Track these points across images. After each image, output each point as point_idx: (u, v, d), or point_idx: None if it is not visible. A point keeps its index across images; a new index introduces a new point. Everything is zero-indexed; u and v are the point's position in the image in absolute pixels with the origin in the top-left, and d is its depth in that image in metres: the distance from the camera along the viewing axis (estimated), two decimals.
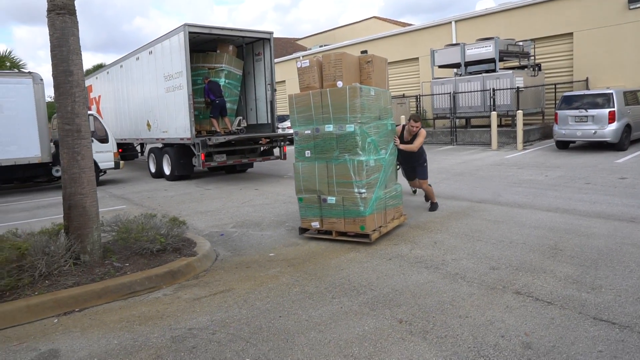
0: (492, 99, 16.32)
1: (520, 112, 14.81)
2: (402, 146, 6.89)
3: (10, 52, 18.01)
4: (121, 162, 13.76)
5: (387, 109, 6.49)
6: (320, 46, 30.85)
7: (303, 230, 6.27)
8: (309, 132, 5.98)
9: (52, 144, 12.62)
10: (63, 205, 5.03)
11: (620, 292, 3.96)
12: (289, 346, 3.33)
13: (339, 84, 5.82)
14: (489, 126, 16.61)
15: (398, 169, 7.74)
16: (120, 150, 14.48)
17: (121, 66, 16.05)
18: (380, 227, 5.98)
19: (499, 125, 16.37)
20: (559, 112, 13.43)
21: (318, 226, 6.06)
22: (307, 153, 6.05)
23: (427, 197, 7.79)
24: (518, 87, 15.87)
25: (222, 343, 3.42)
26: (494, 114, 15.52)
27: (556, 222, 6.31)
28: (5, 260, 4.32)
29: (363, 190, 5.70)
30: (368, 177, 5.74)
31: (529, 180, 9.68)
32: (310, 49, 33.02)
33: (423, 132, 7.10)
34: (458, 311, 3.77)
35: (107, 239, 5.64)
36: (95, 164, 11.86)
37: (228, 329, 3.65)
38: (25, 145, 11.84)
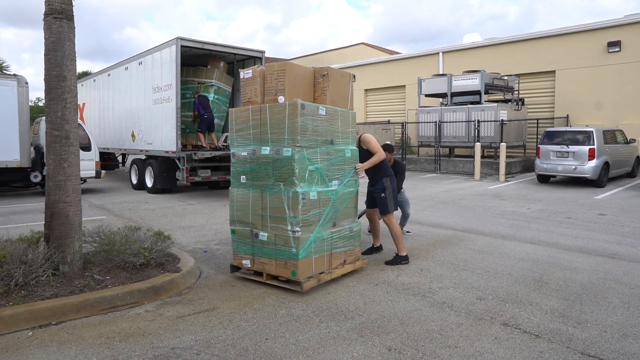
0: (476, 130, 16.64)
1: (503, 145, 15.11)
2: (366, 164, 5.70)
3: None
4: (102, 171, 13.51)
5: (346, 132, 5.47)
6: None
7: (234, 268, 5.39)
8: (246, 153, 5.16)
9: (32, 149, 12.33)
10: (45, 213, 4.87)
11: (605, 328, 3.98)
12: None
13: (280, 99, 4.91)
14: (472, 156, 16.89)
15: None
16: (101, 159, 14.23)
17: (109, 75, 15.90)
18: (321, 273, 5.02)
19: (482, 156, 16.67)
20: (541, 146, 13.74)
21: (249, 265, 5.18)
22: (242, 178, 5.21)
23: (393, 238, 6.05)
24: (502, 120, 16.24)
25: None
26: (477, 144, 15.80)
27: (540, 255, 6.37)
28: None
29: (297, 229, 4.73)
30: (306, 213, 4.79)
31: (511, 212, 9.81)
32: None
33: (366, 134, 5.88)
34: (447, 341, 3.73)
35: (88, 250, 5.47)
36: None
37: (213, 350, 3.53)
38: (5, 148, 11.54)
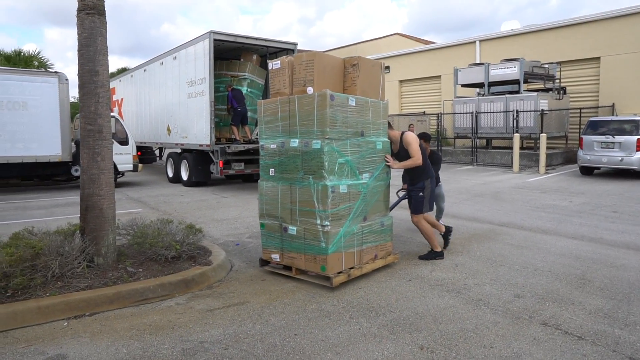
0: (515, 121, 16.08)
1: (544, 135, 14.54)
2: (398, 165, 5.55)
3: (39, 52, 18.46)
4: (139, 165, 13.82)
5: (377, 123, 5.31)
6: None
7: (264, 262, 5.34)
8: (274, 146, 5.08)
9: (73, 143, 12.73)
10: (80, 206, 4.98)
11: None
12: None
13: (309, 90, 4.78)
14: (510, 148, 16.35)
15: (405, 197, 6.30)
16: (139, 153, 14.56)
17: (145, 70, 16.22)
18: (351, 268, 4.90)
19: (521, 148, 16.10)
20: (584, 137, 13.14)
21: (278, 259, 5.11)
22: (272, 171, 5.13)
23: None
24: (542, 110, 15.62)
25: (234, 359, 3.27)
26: (516, 135, 15.26)
27: (583, 251, 6.06)
28: (19, 258, 4.25)
29: (326, 223, 4.63)
30: (335, 207, 4.68)
31: (552, 205, 9.41)
32: None
33: (409, 134, 5.60)
34: (482, 340, 3.57)
35: (121, 243, 5.57)
36: (114, 165, 11.92)
37: (241, 344, 3.50)
38: (47, 143, 11.96)
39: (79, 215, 5.00)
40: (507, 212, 8.72)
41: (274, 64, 5.17)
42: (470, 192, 11.27)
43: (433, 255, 5.80)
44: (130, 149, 13.32)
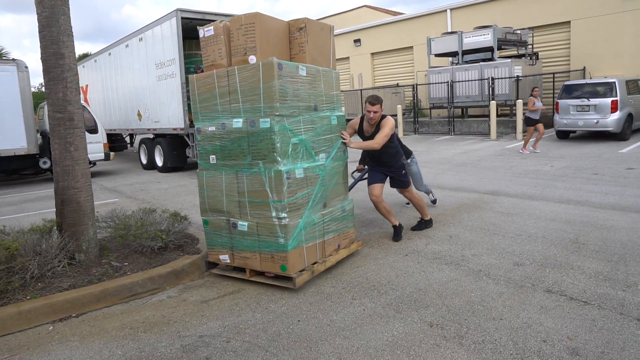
0: (490, 88, 16.08)
1: (520, 102, 14.59)
2: (355, 144, 4.92)
3: None
4: (111, 153, 13.30)
5: (331, 95, 4.67)
6: None
7: (211, 265, 4.61)
8: (213, 128, 4.30)
9: (38, 134, 12.11)
10: (55, 200, 4.65)
11: None
12: (313, 355, 3.02)
13: (252, 59, 4.03)
14: (487, 116, 16.41)
15: (362, 177, 6.04)
16: (109, 140, 14.01)
17: (109, 54, 15.48)
18: (314, 263, 4.29)
19: (497, 115, 16.15)
20: (560, 101, 13.23)
21: (228, 261, 4.40)
22: (212, 159, 4.37)
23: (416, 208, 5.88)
24: (517, 76, 15.65)
25: (238, 353, 3.10)
26: (493, 103, 15.29)
27: (572, 215, 6.07)
28: None
29: (283, 215, 3.97)
30: (292, 195, 4.01)
31: (534, 170, 9.46)
32: None
33: (389, 120, 5.08)
34: (490, 312, 3.49)
35: (103, 236, 5.28)
36: None
37: (243, 335, 3.33)
38: (11, 136, 11.32)
39: (55, 210, 4.68)
40: (491, 180, 8.71)
41: (205, 31, 4.35)
42: (452, 162, 11.25)
43: (424, 224, 5.82)
44: (101, 137, 12.77)
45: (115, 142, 17.20)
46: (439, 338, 3.16)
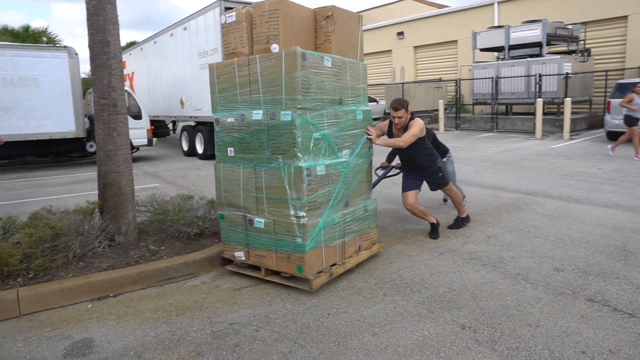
0: (537, 85, 15.50)
1: (568, 100, 13.98)
2: (381, 141, 4.72)
3: (47, 28, 18.12)
4: (154, 139, 13.67)
5: (357, 89, 4.43)
6: None
7: (226, 261, 4.44)
8: (232, 119, 4.13)
9: (86, 119, 12.59)
10: (98, 184, 4.81)
11: None
12: (341, 350, 3.00)
13: (274, 47, 3.83)
14: (532, 114, 15.84)
15: (396, 174, 5.89)
16: (152, 127, 14.39)
17: (155, 42, 15.87)
18: (333, 265, 4.09)
19: (544, 113, 15.57)
20: (612, 100, 12.59)
21: (243, 258, 4.25)
22: (230, 151, 4.20)
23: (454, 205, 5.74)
24: (567, 73, 15.00)
25: (267, 342, 3.12)
26: (539, 100, 14.71)
27: (620, 220, 5.77)
28: (39, 239, 4.13)
29: (302, 214, 3.77)
30: (312, 193, 3.80)
31: (580, 172, 9.06)
32: None
33: (418, 121, 4.92)
34: (527, 318, 3.37)
35: (141, 220, 5.43)
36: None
37: (273, 325, 3.35)
38: (60, 120, 11.83)
39: (97, 193, 4.84)
40: (534, 181, 8.41)
41: (227, 17, 4.17)
42: (493, 160, 10.93)
43: (462, 222, 5.70)
44: (144, 123, 13.15)
45: (159, 128, 17.64)
46: (471, 341, 3.08)
